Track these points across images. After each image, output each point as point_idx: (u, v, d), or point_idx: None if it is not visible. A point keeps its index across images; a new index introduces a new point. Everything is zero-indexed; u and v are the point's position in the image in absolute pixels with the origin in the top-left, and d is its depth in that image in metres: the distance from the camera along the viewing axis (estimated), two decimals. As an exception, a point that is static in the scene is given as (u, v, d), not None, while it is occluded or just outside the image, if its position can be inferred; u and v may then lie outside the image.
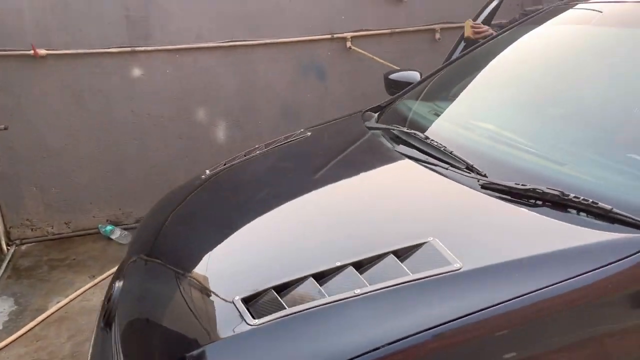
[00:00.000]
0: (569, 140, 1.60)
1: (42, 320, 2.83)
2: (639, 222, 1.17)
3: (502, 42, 2.20)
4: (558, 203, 1.27)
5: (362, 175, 1.77)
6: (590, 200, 1.23)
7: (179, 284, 1.45)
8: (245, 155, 2.16)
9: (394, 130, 1.90)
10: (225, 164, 2.14)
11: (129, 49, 3.60)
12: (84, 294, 3.08)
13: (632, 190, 1.34)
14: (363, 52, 4.01)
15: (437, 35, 4.18)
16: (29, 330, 2.76)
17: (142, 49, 3.63)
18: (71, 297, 3.03)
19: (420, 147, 1.71)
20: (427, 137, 1.73)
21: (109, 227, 3.75)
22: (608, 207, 1.20)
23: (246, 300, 1.19)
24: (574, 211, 1.25)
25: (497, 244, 1.22)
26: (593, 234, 1.19)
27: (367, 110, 2.40)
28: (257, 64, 3.89)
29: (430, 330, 1.03)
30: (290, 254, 1.38)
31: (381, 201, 1.52)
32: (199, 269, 1.44)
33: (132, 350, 1.34)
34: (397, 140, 1.84)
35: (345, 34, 3.98)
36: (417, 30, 4.17)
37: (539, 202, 1.30)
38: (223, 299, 1.25)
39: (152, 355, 1.29)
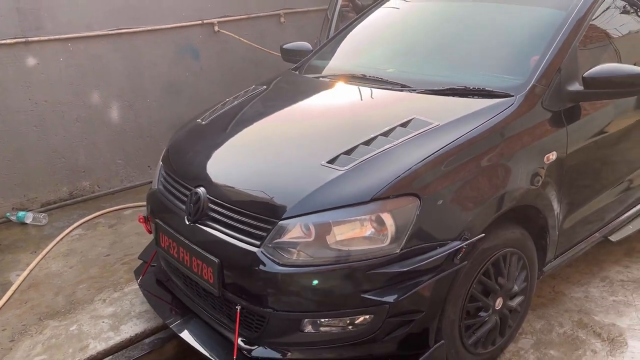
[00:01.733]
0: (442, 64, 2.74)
1: (20, 284, 3.07)
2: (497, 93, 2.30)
3: (379, 13, 3.29)
4: (461, 92, 2.37)
5: (337, 97, 2.69)
6: (474, 87, 2.34)
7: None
8: (223, 105, 2.87)
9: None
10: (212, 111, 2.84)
11: (23, 39, 3.79)
12: (40, 264, 3.33)
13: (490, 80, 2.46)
14: (229, 33, 4.77)
15: (282, 19, 5.15)
16: (13, 293, 3.00)
17: (36, 39, 3.85)
18: (34, 262, 3.28)
19: (358, 81, 2.70)
20: (364, 75, 2.73)
21: (21, 213, 3.89)
22: (489, 88, 2.32)
23: (330, 162, 2.03)
24: (470, 96, 2.36)
25: (443, 114, 2.24)
26: (479, 102, 2.28)
27: (290, 70, 3.26)
28: (141, 49, 4.37)
29: (430, 157, 2.01)
30: (335, 136, 2.28)
31: (367, 109, 2.48)
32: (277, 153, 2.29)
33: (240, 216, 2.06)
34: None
35: (212, 20, 4.69)
36: (266, 15, 5.08)
37: (452, 94, 2.38)
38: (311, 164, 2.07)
39: (271, 209, 2.01)
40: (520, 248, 2.30)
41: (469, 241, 1.97)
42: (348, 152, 2.06)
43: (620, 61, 2.73)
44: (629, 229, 2.99)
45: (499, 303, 2.27)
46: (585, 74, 2.33)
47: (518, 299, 2.38)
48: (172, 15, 4.47)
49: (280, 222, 1.92)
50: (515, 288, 2.34)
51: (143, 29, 4.33)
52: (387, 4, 3.34)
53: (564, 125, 2.36)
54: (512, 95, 2.27)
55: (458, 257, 1.95)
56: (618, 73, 2.30)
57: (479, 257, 2.10)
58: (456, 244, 1.94)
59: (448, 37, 2.84)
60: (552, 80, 2.33)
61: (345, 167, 1.98)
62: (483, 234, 2.03)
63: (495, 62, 2.55)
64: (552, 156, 2.30)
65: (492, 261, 2.17)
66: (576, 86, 2.37)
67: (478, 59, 2.63)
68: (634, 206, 3.03)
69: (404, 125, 2.17)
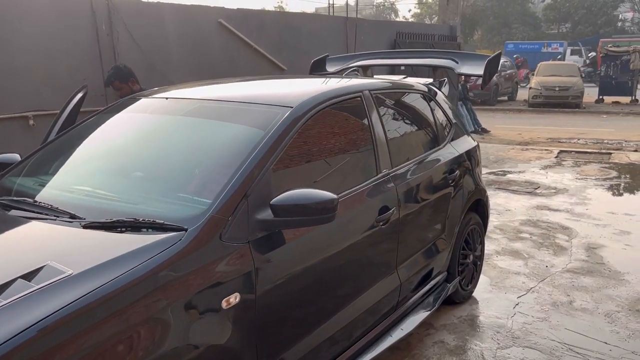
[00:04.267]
0: (129, 190, 2.33)
1: None
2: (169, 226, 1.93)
3: (87, 126, 2.86)
4: (130, 225, 1.96)
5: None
6: (145, 219, 1.95)
7: None
8: None
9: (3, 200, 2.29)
10: None
11: None
12: None
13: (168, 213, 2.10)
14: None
15: (31, 122, 4.54)
16: None
17: None
18: None
19: (30, 208, 2.17)
20: (35, 201, 2.22)
21: None
22: (160, 220, 1.95)
23: None
24: (142, 229, 1.96)
25: (87, 257, 1.80)
26: (143, 239, 1.89)
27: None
28: None
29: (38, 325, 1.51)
30: None
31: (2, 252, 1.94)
32: None
33: None
34: (9, 207, 2.24)
35: None
36: (11, 117, 4.45)
37: (121, 227, 1.96)
38: None
39: None
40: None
41: None
42: None
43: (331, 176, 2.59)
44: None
45: None
46: (273, 201, 2.08)
47: None
48: None
49: None
50: None
51: None
52: (104, 112, 2.96)
53: (251, 260, 2.04)
54: (185, 229, 1.92)
55: None
56: (305, 199, 2.07)
57: None
58: None
59: (144, 156, 2.50)
60: (237, 209, 2.04)
61: None
62: None
63: (179, 188, 2.23)
64: (234, 299, 1.95)
65: None
66: (267, 214, 2.10)
67: (164, 183, 2.28)
68: (360, 339, 2.75)
69: (28, 276, 1.69)
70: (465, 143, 3.95)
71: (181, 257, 1.84)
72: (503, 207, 6.42)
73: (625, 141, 11.37)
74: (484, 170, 8.45)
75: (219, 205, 2.00)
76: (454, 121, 3.89)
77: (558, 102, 17.50)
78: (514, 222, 5.81)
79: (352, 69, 4.46)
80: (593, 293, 4.07)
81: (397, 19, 47.28)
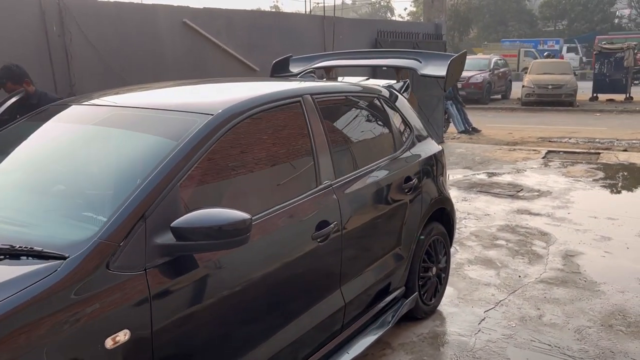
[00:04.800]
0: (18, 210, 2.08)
1: None
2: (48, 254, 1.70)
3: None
4: (8, 252, 1.72)
5: None
6: (23, 246, 1.71)
7: None
8: None
9: None
10: None
11: None
12: None
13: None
14: None
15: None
16: None
17: None
18: None
19: None
20: None
21: None
22: (39, 247, 1.72)
23: None
24: (22, 257, 1.73)
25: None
26: (16, 269, 1.66)
27: None
28: None
29: None
30: None
31: None
32: None
33: None
34: None
35: None
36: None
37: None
38: None
39: None
40: None
41: None
42: None
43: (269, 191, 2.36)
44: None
45: None
46: (173, 223, 1.85)
47: None
48: None
49: None
50: None
51: None
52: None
53: (147, 290, 1.81)
54: (65, 257, 1.69)
55: None
56: (210, 220, 1.85)
57: None
58: None
59: (41, 171, 2.26)
60: (132, 233, 1.81)
61: None
62: None
63: (69, 209, 2.00)
64: (123, 337, 1.72)
65: None
66: (169, 237, 1.87)
67: (54, 204, 2.05)
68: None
69: None
70: (428, 149, 3.72)
71: (56, 290, 1.62)
72: (482, 211, 6.19)
73: (617, 140, 11.15)
74: (468, 172, 8.23)
75: (109, 229, 1.78)
76: (414, 125, 3.65)
77: (551, 100, 17.26)
78: (492, 228, 5.58)
79: (307, 71, 4.23)
80: (565, 306, 3.84)
81: (393, 18, 47.06)
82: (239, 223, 1.87)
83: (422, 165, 3.52)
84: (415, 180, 3.36)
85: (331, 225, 2.58)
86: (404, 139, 3.49)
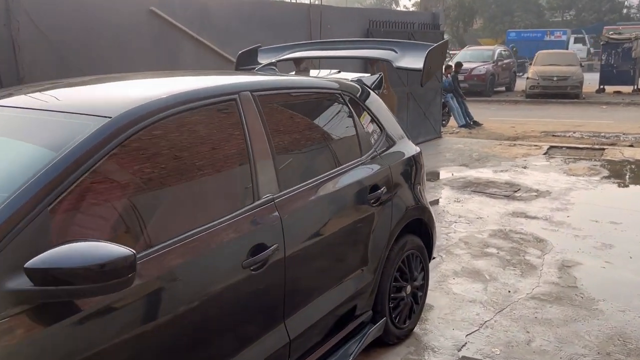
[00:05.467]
0: None
1: None
2: None
3: None
4: None
5: None
6: None
7: None
8: None
9: None
10: None
11: None
12: None
13: None
14: None
15: None
16: None
17: None
18: None
19: None
20: None
21: None
22: None
23: None
24: None
25: None
26: None
27: None
28: None
29: None
30: None
31: None
32: None
33: None
34: None
35: None
36: None
37: None
38: None
39: None
40: None
41: None
42: None
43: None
44: None
45: None
46: (28, 263, 1.43)
47: None
48: None
49: None
50: None
51: None
52: None
53: (-9, 351, 1.40)
54: None
55: None
56: (75, 260, 1.43)
57: None
58: None
59: None
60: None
61: None
62: None
63: None
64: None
65: None
66: (25, 281, 1.45)
67: None
68: None
69: None
70: (402, 152, 3.27)
71: None
72: (475, 214, 5.74)
73: (623, 134, 10.64)
74: (463, 170, 7.78)
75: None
76: (386, 126, 3.21)
77: (556, 92, 16.72)
78: (483, 233, 5.14)
79: (268, 64, 3.79)
80: (558, 328, 3.40)
81: (398, 8, 46.34)
82: (117, 261, 1.46)
83: (394, 171, 3.08)
84: (383, 189, 2.92)
85: (269, 249, 2.15)
86: (372, 141, 3.05)
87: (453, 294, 3.90)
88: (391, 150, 3.18)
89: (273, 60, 3.95)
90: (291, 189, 2.38)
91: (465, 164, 8.21)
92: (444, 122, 12.28)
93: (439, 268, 4.33)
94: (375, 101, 3.23)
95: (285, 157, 2.45)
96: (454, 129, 11.87)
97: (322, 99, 2.89)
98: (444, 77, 11.79)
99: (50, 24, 4.61)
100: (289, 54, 4.07)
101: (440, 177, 7.48)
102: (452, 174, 7.53)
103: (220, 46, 6.14)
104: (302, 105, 2.77)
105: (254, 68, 4.04)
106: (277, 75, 3.14)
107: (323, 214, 2.54)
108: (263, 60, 4.25)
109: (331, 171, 2.66)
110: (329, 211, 2.59)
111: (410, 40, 3.90)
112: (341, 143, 2.89)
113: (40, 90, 2.23)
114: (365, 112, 3.07)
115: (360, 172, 2.84)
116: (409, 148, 3.38)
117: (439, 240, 4.86)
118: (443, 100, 11.79)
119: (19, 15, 4.38)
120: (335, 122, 2.91)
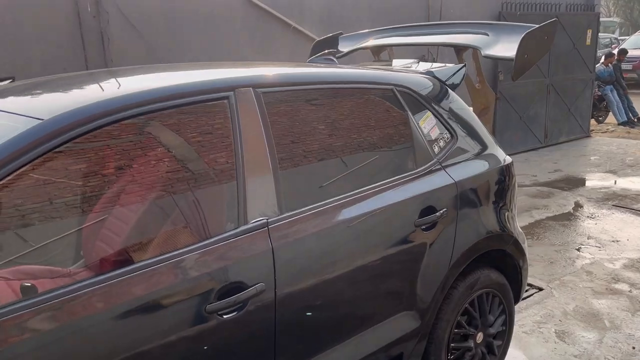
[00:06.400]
0: None
1: None
2: None
3: None
4: None
5: None
6: None
7: None
8: None
9: None
10: None
11: None
12: None
13: None
14: None
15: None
16: None
17: None
18: None
19: None
20: None
21: None
22: None
23: None
24: None
25: None
26: None
27: None
28: None
29: None
30: None
31: None
32: None
33: None
34: None
35: None
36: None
37: None
38: None
39: None
40: None
41: None
42: None
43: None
44: None
45: None
46: None
47: None
48: None
49: None
50: None
51: None
52: None
53: None
54: None
55: None
56: None
57: None
58: None
59: None
60: None
61: None
62: None
63: None
64: None
65: None
66: None
67: None
68: None
69: None
70: (482, 163, 2.58)
71: None
72: (610, 235, 4.69)
73: None
74: (609, 178, 6.53)
75: None
76: (459, 131, 2.53)
77: None
78: (615, 263, 4.13)
79: (322, 53, 3.27)
80: (695, 414, 2.48)
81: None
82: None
83: (464, 187, 2.41)
84: (443, 211, 2.28)
85: (250, 289, 1.69)
86: (435, 150, 2.41)
87: (554, 343, 3.09)
88: (465, 160, 2.50)
89: (346, 50, 3.43)
90: (296, 211, 1.88)
91: (613, 171, 6.91)
92: (600, 117, 10.68)
93: (544, 303, 3.51)
94: (448, 99, 2.57)
95: (295, 171, 1.95)
96: (610, 127, 10.23)
97: (363, 96, 2.31)
98: (602, 67, 10.20)
99: (138, 14, 4.56)
100: (370, 41, 3.53)
101: (576, 184, 6.35)
102: (593, 182, 6.35)
103: (321, 35, 5.73)
104: (333, 104, 2.22)
105: (328, 55, 3.56)
106: (321, 66, 2.62)
107: (340, 243, 2.00)
108: (344, 48, 3.76)
109: (362, 189, 2.10)
110: (352, 239, 2.03)
111: (510, 23, 3.12)
112: (385, 153, 2.30)
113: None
114: (428, 113, 2.44)
115: (409, 189, 2.23)
116: (494, 158, 2.66)
117: (553, 267, 4.00)
118: (601, 92, 10.22)
119: (108, 6, 4.37)
120: (380, 126, 2.32)
